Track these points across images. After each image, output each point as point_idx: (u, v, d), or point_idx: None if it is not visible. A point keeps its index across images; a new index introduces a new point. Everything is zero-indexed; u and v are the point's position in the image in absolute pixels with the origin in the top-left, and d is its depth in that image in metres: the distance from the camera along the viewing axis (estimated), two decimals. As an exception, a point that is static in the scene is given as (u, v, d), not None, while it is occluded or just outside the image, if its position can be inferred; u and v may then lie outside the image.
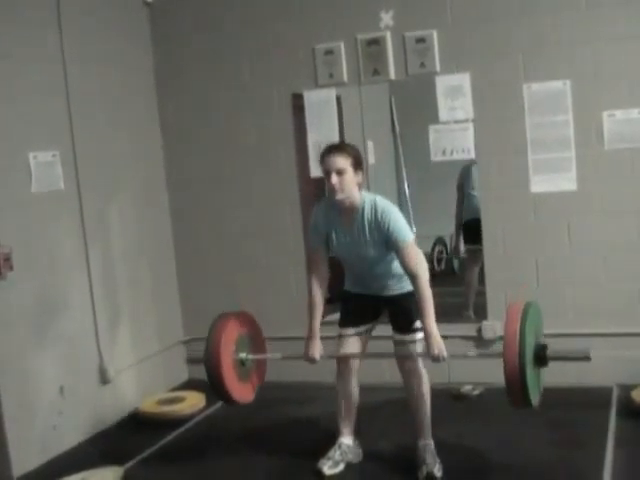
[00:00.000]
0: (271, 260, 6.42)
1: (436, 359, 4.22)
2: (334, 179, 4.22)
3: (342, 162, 4.24)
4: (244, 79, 6.30)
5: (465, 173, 6.46)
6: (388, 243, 4.28)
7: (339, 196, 4.25)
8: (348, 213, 4.35)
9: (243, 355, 4.68)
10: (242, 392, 4.69)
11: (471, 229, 6.31)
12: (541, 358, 4.09)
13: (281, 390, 5.87)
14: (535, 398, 4.06)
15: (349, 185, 4.25)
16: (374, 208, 4.29)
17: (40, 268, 5.23)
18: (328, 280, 4.60)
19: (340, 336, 4.61)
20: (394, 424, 5.15)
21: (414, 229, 6.57)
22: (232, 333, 4.64)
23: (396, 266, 4.39)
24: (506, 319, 4.03)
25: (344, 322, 4.63)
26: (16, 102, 5.10)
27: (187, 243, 6.66)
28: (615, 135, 5.47)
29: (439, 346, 4.19)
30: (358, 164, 4.31)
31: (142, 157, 6.36)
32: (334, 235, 4.44)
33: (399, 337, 4.48)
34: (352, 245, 4.40)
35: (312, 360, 4.54)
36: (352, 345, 4.57)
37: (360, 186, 4.34)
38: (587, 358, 4.10)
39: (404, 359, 4.46)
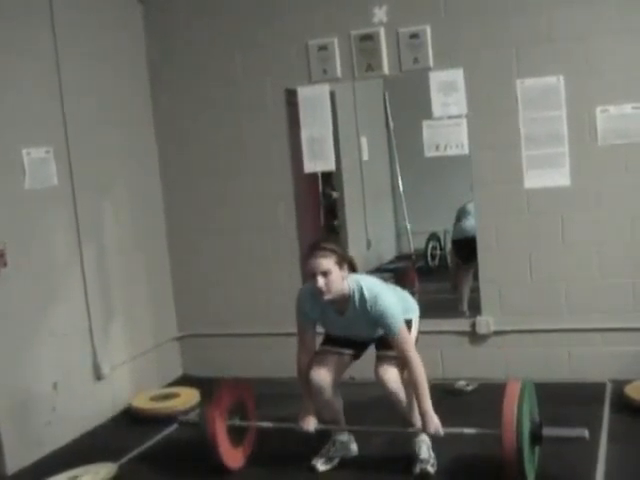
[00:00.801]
0: (265, 256, 6.41)
1: (432, 437, 4.34)
2: (320, 282, 4.18)
3: (326, 263, 4.19)
4: (238, 75, 6.29)
5: (461, 211, 6.48)
6: (379, 326, 4.32)
7: (326, 297, 4.23)
8: (338, 303, 4.34)
9: (236, 422, 4.75)
10: (234, 458, 4.73)
11: (461, 249, 6.34)
12: (537, 437, 4.15)
13: (275, 386, 5.87)
14: (531, 476, 4.09)
15: (336, 284, 4.22)
16: (362, 298, 4.27)
17: (34, 264, 5.22)
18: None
19: (318, 353, 4.58)
20: (389, 419, 5.14)
21: (408, 225, 6.64)
22: (227, 401, 4.71)
23: None
24: (503, 407, 4.04)
25: (327, 343, 4.63)
26: (9, 98, 5.09)
27: (181, 239, 6.65)
28: (608, 131, 5.48)
29: (436, 426, 4.23)
30: (343, 260, 4.27)
31: (136, 153, 6.35)
32: (325, 318, 4.47)
33: (382, 353, 4.46)
34: (345, 329, 4.46)
35: (307, 432, 4.54)
36: (329, 363, 4.51)
37: (345, 278, 4.29)
38: (583, 438, 4.08)
39: (385, 376, 4.39)
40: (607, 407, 5.19)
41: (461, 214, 6.49)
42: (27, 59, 5.26)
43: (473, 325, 5.95)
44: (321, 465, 4.57)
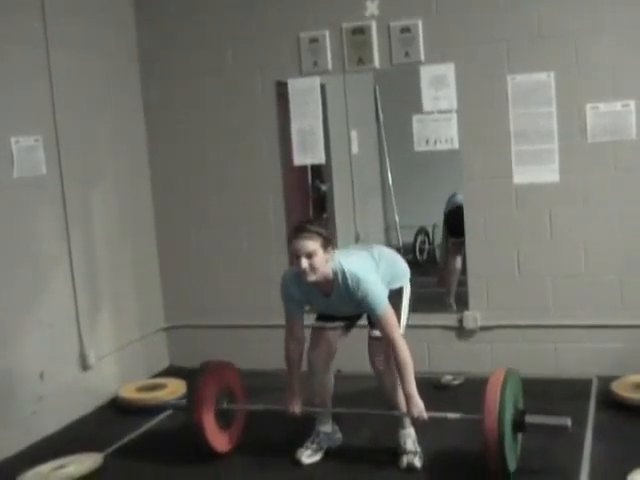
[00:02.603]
0: (253, 247, 6.41)
1: (416, 421, 4.30)
2: (304, 263, 4.16)
3: (311, 245, 4.17)
4: (228, 66, 6.28)
5: (452, 196, 6.47)
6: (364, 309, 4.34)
7: (310, 278, 4.21)
8: (322, 285, 4.33)
9: (224, 405, 4.76)
10: (222, 442, 4.75)
11: (453, 219, 6.30)
12: (520, 424, 4.17)
13: (261, 378, 5.87)
14: (512, 464, 4.12)
15: (319, 266, 4.19)
16: (345, 279, 4.25)
17: (21, 253, 5.21)
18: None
19: (314, 329, 4.62)
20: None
21: (397, 219, 6.64)
22: (213, 384, 4.72)
23: None
24: (486, 388, 4.08)
25: (321, 318, 4.64)
26: (-2, 86, 5.08)
27: (169, 229, 6.64)
28: (598, 128, 5.49)
29: (419, 408, 4.24)
30: (327, 242, 4.25)
31: (125, 142, 6.34)
32: (311, 300, 4.47)
33: (375, 333, 4.45)
34: (333, 309, 4.47)
35: (294, 415, 4.56)
36: (325, 343, 4.57)
37: (329, 260, 4.27)
38: (566, 428, 4.11)
39: (376, 356, 4.46)
40: (593, 403, 5.21)
41: (452, 197, 6.47)
42: (17, 47, 5.24)
43: (460, 320, 5.96)
44: (306, 458, 4.57)
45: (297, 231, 4.26)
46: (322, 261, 4.20)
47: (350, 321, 4.66)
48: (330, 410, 4.69)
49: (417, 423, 4.35)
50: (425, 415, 4.24)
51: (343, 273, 4.26)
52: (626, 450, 4.42)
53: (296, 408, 4.55)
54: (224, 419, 4.77)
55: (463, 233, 5.95)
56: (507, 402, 4.02)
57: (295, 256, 4.22)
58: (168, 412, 5.61)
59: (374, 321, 4.33)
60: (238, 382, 4.97)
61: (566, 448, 4.51)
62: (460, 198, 6.02)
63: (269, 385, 5.82)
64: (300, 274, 4.23)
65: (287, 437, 4.89)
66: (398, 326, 4.33)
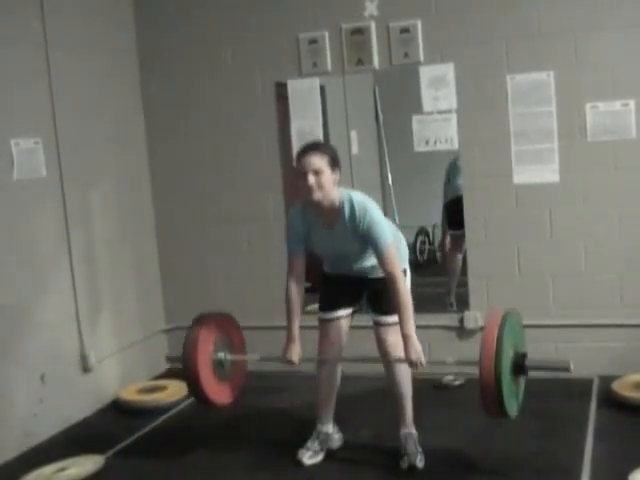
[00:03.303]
0: (253, 248, 6.41)
1: (413, 364, 4.22)
2: (311, 180, 4.14)
3: (319, 162, 4.16)
4: (227, 67, 6.29)
5: (450, 167, 6.43)
6: (367, 243, 4.27)
7: (316, 196, 4.17)
8: (327, 213, 4.29)
9: (221, 355, 4.70)
10: (220, 393, 4.72)
11: (453, 210, 6.28)
12: (520, 367, 4.09)
13: (261, 379, 5.87)
14: (513, 408, 4.07)
15: (326, 185, 4.17)
16: (352, 208, 4.23)
17: (22, 255, 5.21)
18: (304, 287, 4.55)
19: (322, 321, 4.59)
20: (376, 413, 5.15)
21: (397, 219, 6.63)
22: (210, 334, 4.66)
23: (374, 262, 4.38)
24: (484, 327, 4.05)
25: (325, 306, 4.61)
26: (-2, 88, 5.08)
27: (169, 230, 6.64)
28: (598, 127, 5.49)
29: (417, 351, 4.18)
30: (335, 163, 4.24)
31: (125, 143, 6.34)
32: (313, 235, 4.41)
33: (378, 318, 4.46)
34: (333, 243, 4.38)
35: (291, 363, 4.49)
36: (334, 332, 4.55)
37: (337, 184, 4.27)
38: (567, 369, 4.07)
39: (385, 344, 4.43)
40: (594, 403, 5.21)
41: (451, 173, 6.40)
42: (16, 49, 5.23)
43: (461, 320, 5.96)
44: (307, 459, 4.56)
45: (305, 149, 4.27)
46: (329, 180, 4.19)
47: (354, 301, 4.60)
48: (336, 359, 4.57)
49: (414, 367, 4.24)
50: (423, 359, 4.18)
51: (350, 202, 4.24)
52: (627, 449, 4.42)
53: (294, 356, 4.48)
54: (222, 371, 4.71)
55: (463, 225, 5.94)
56: (505, 342, 3.92)
57: (302, 174, 4.19)
58: (169, 414, 5.61)
59: (377, 255, 4.26)
60: (237, 334, 4.91)
61: (567, 447, 4.51)
62: (461, 183, 5.99)
63: (268, 386, 5.83)
64: (306, 193, 4.20)
65: (288, 437, 4.89)
66: (399, 263, 4.28)
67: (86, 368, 5.74)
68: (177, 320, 6.61)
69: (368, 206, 4.25)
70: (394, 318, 4.33)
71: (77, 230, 5.71)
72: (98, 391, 5.87)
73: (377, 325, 4.48)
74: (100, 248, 5.98)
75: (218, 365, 4.69)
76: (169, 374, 6.44)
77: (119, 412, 5.76)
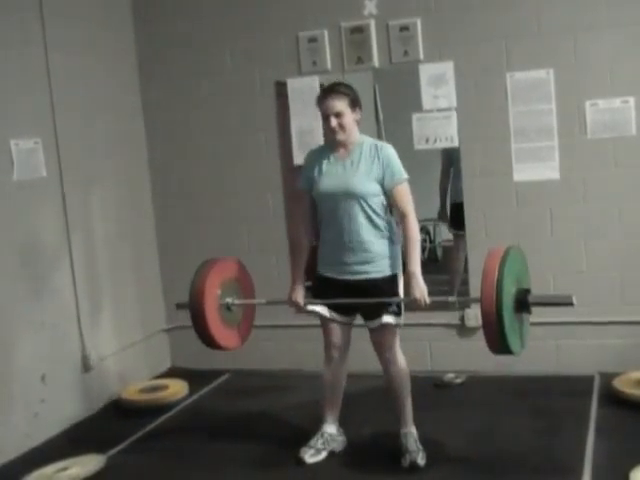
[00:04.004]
0: (254, 247, 6.40)
1: (417, 302, 4.21)
2: (333, 122, 4.27)
3: (339, 105, 4.27)
4: (227, 65, 6.28)
5: (451, 151, 6.39)
6: (383, 179, 4.29)
7: (340, 137, 4.30)
8: (346, 147, 4.37)
9: (229, 300, 4.68)
10: (228, 337, 4.69)
11: (457, 213, 6.28)
12: (522, 303, 4.02)
13: (264, 378, 5.88)
14: (516, 344, 3.99)
15: (349, 125, 4.30)
16: (374, 144, 4.35)
17: (22, 255, 5.21)
18: (313, 227, 4.57)
19: (322, 322, 4.54)
20: (377, 412, 5.15)
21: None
22: (217, 277, 4.64)
23: (375, 233, 4.33)
24: (485, 261, 4.00)
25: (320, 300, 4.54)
26: (-2, 89, 5.08)
27: (169, 230, 6.64)
28: (598, 124, 5.49)
29: (421, 289, 4.20)
30: (355, 103, 4.35)
31: (125, 143, 6.34)
32: (325, 166, 4.40)
33: (371, 324, 4.42)
34: (342, 175, 4.34)
35: (296, 304, 4.53)
36: (338, 333, 4.52)
37: (359, 124, 4.39)
38: (570, 303, 4.03)
39: (383, 347, 4.44)
40: (595, 400, 5.21)
41: (451, 162, 6.39)
42: (16, 50, 5.23)
43: (462, 318, 5.96)
44: (309, 457, 4.55)
45: (325, 92, 4.39)
46: (351, 121, 4.32)
47: (350, 312, 4.55)
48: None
49: (419, 305, 4.23)
50: (427, 297, 4.20)
51: (375, 142, 4.39)
52: (628, 447, 4.42)
53: (299, 298, 4.53)
54: (230, 315, 4.70)
55: (464, 226, 5.95)
56: (507, 275, 3.89)
57: (324, 116, 4.31)
58: (170, 413, 5.61)
59: (391, 189, 4.30)
60: (246, 278, 4.90)
61: (568, 445, 4.52)
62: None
63: (271, 385, 5.83)
64: (329, 134, 4.34)
65: (290, 436, 4.89)
66: (412, 201, 4.34)
67: (87, 368, 5.74)
68: (178, 319, 6.60)
69: (391, 148, 4.38)
70: (386, 319, 4.33)
71: (77, 230, 5.71)
72: (99, 391, 5.87)
73: (372, 331, 4.47)
74: (100, 248, 5.98)
75: (225, 309, 4.66)
76: (170, 374, 6.44)
77: (120, 412, 5.76)
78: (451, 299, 4.46)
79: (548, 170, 5.63)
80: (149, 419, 5.48)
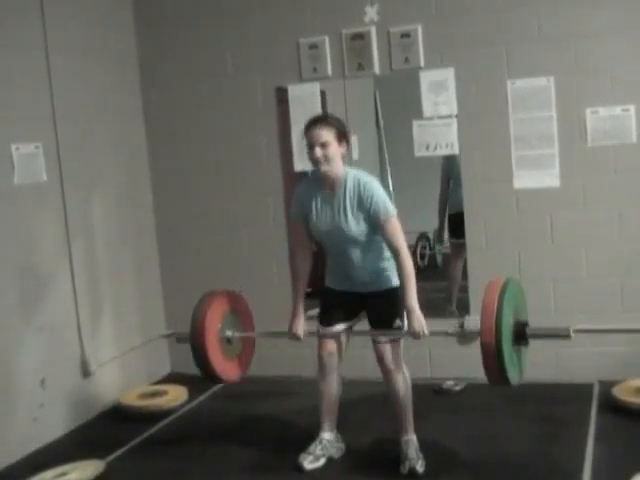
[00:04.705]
0: (254, 253, 6.41)
1: (417, 335, 4.23)
2: (318, 152, 4.23)
3: (326, 135, 4.24)
4: (228, 72, 6.29)
5: (448, 164, 6.43)
6: (370, 218, 4.27)
7: (323, 167, 4.25)
8: (331, 186, 4.33)
9: (229, 333, 4.70)
10: (229, 371, 4.72)
11: (455, 223, 6.31)
12: (521, 335, 4.06)
13: (263, 384, 5.87)
14: (514, 376, 4.02)
15: (333, 157, 4.24)
16: (357, 182, 4.28)
17: (22, 259, 5.21)
18: (312, 257, 4.59)
19: (320, 335, 4.58)
20: (376, 419, 5.15)
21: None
22: (218, 310, 4.67)
23: (376, 255, 4.39)
24: (484, 294, 4.02)
25: (324, 319, 4.60)
26: (-1, 93, 5.09)
27: (170, 235, 6.64)
28: (598, 132, 5.49)
29: (420, 322, 4.21)
30: (342, 136, 4.31)
31: (125, 148, 6.34)
32: (315, 207, 4.40)
33: (377, 336, 4.45)
34: (333, 218, 4.36)
35: (296, 337, 4.55)
36: (333, 345, 4.55)
37: (344, 159, 4.34)
38: (568, 336, 4.08)
39: (384, 356, 4.45)
40: (594, 407, 5.20)
41: (450, 175, 6.43)
42: (17, 54, 5.24)
43: (462, 325, 5.95)
44: (308, 464, 4.55)
45: (313, 121, 4.35)
46: (336, 153, 4.26)
47: (351, 316, 4.59)
48: (335, 332, 4.54)
49: (418, 338, 4.25)
50: (426, 330, 4.22)
51: (357, 176, 4.31)
52: (628, 455, 4.41)
53: (299, 330, 4.54)
54: (230, 347, 4.73)
55: (464, 235, 5.95)
56: (506, 309, 3.92)
57: (309, 145, 4.28)
58: (169, 419, 5.61)
59: (380, 225, 4.27)
60: (245, 311, 4.93)
61: (568, 452, 4.51)
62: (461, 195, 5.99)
63: (270, 391, 5.83)
64: (313, 165, 4.29)
65: (289, 442, 4.88)
66: (403, 235, 4.31)
67: (86, 373, 5.74)
68: (178, 325, 6.60)
69: (374, 182, 4.32)
70: (392, 334, 4.37)
71: (77, 235, 5.71)
72: (98, 396, 5.86)
73: (376, 343, 4.48)
74: (101, 253, 5.98)
75: (226, 342, 4.69)
76: (170, 379, 6.44)
77: (120, 417, 5.75)
78: (450, 331, 4.50)
79: (548, 177, 5.63)
80: (148, 424, 5.48)
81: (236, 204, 6.40)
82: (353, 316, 4.60)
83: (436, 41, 5.73)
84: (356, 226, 4.31)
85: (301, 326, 4.54)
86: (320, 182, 4.37)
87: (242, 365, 4.84)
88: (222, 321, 4.69)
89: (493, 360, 3.89)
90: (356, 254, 4.40)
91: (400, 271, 4.26)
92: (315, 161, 4.25)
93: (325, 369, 4.57)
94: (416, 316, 4.21)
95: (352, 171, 4.34)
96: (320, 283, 4.70)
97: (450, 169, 6.41)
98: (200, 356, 4.58)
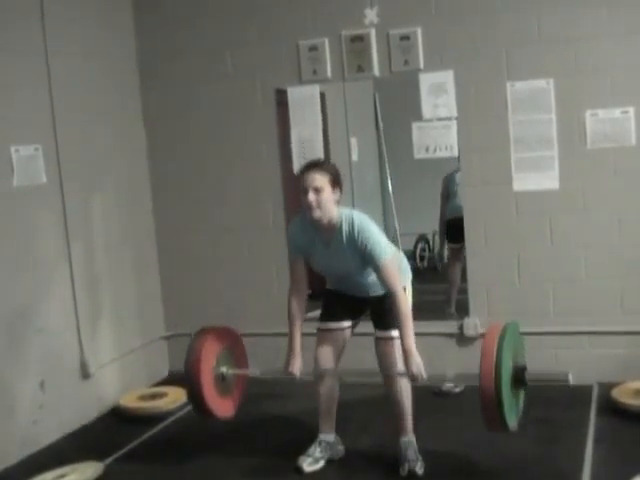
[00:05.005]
0: (254, 255, 6.41)
1: (414, 379, 4.24)
2: (311, 197, 4.20)
3: (320, 180, 4.22)
4: (228, 74, 6.29)
5: (448, 181, 6.47)
6: (364, 258, 4.29)
7: (316, 214, 4.23)
8: (326, 230, 4.34)
9: (223, 369, 4.72)
10: (223, 408, 4.74)
11: (453, 228, 6.33)
12: (519, 380, 4.11)
13: (262, 386, 5.85)
14: (512, 421, 4.07)
15: (326, 203, 4.23)
16: (351, 226, 4.27)
17: (21, 261, 5.21)
18: (307, 295, 4.61)
19: (320, 330, 4.61)
20: (375, 421, 5.15)
21: (397, 226, 6.63)
22: (212, 348, 4.68)
23: (375, 275, 4.39)
24: (484, 342, 4.05)
25: (325, 316, 4.63)
26: (-2, 95, 5.09)
27: (169, 238, 6.64)
28: (598, 134, 5.49)
29: (418, 365, 4.20)
30: (336, 182, 4.30)
31: (125, 150, 6.34)
32: (312, 251, 4.45)
33: (380, 334, 4.48)
34: (331, 261, 4.42)
35: (292, 376, 4.53)
36: (331, 342, 4.57)
37: (337, 203, 4.32)
38: (566, 381, 4.12)
39: (388, 358, 4.45)
40: (594, 410, 5.21)
41: (450, 187, 6.47)
42: (16, 56, 5.24)
43: (461, 327, 5.96)
44: (307, 466, 4.55)
45: (309, 166, 4.33)
46: (329, 198, 4.25)
47: (355, 316, 4.64)
48: (333, 373, 4.59)
49: (415, 380, 4.26)
50: (424, 373, 4.21)
51: (349, 220, 4.29)
52: (627, 457, 4.42)
53: (295, 370, 4.52)
54: (224, 385, 4.73)
55: (462, 239, 5.96)
56: (505, 356, 3.94)
57: (303, 191, 4.25)
58: (169, 421, 5.60)
59: (375, 270, 4.29)
60: (239, 347, 4.94)
61: (567, 454, 4.51)
62: (461, 204, 6.00)
63: (269, 393, 5.81)
64: (306, 210, 4.26)
65: (288, 444, 4.88)
66: (400, 278, 4.31)
67: (86, 375, 5.74)
68: (177, 327, 6.61)
69: (367, 224, 4.30)
70: (395, 333, 4.36)
71: (77, 237, 5.70)
72: (98, 398, 5.86)
73: (378, 339, 4.50)
74: (100, 254, 5.98)
75: (220, 379, 4.70)
76: (169, 381, 6.43)
77: (119, 419, 5.75)
78: (447, 386, 4.50)
79: (548, 180, 5.63)
80: (148, 426, 5.48)
81: (236, 206, 6.39)
82: (355, 315, 4.64)
83: (436, 43, 5.73)
84: (354, 262, 4.36)
85: (297, 366, 4.52)
86: (314, 226, 4.36)
87: (235, 401, 4.85)
88: (216, 358, 4.70)
89: (493, 407, 3.94)
90: (357, 279, 4.48)
91: (396, 312, 4.23)
92: (308, 206, 4.23)
93: (322, 369, 4.57)
94: (414, 358, 4.21)
95: (345, 213, 4.32)
96: (320, 287, 4.71)
97: (450, 185, 6.44)
98: (196, 396, 4.59)
